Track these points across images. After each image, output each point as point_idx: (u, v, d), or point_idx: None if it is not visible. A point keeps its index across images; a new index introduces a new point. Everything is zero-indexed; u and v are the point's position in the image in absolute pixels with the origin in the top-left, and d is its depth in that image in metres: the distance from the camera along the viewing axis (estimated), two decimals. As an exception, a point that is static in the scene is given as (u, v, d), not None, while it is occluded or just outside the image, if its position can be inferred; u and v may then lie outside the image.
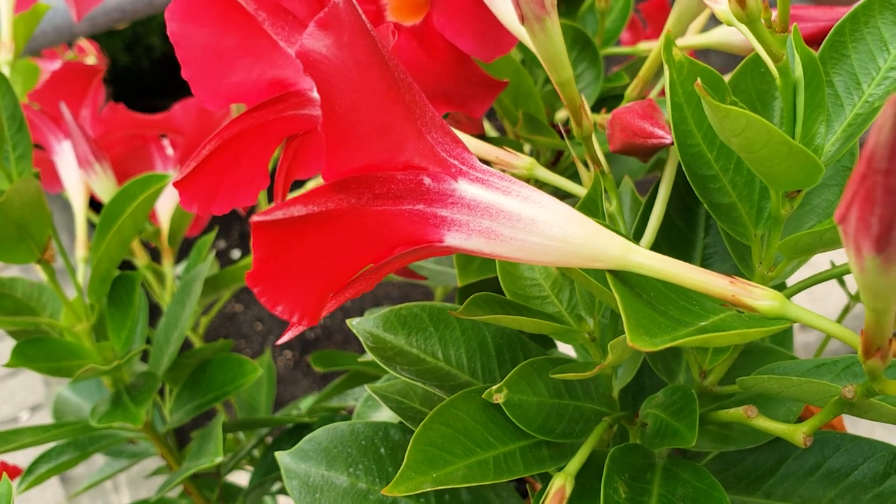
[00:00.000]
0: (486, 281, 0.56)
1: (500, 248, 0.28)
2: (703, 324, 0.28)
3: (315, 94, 0.41)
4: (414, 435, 0.37)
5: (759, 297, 0.27)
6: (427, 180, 0.27)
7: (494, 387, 0.38)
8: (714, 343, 0.27)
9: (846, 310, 0.64)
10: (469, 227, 0.28)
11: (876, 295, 0.22)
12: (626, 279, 0.29)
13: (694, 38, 0.51)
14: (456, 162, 0.28)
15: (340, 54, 0.24)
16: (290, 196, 0.28)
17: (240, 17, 0.41)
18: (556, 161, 0.62)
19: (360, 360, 0.69)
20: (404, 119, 0.26)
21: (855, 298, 0.59)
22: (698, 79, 0.25)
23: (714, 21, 0.56)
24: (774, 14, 0.28)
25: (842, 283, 0.60)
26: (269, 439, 0.79)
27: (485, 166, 0.29)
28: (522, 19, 0.32)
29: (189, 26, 0.40)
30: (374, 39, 0.25)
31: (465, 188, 0.28)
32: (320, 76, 0.24)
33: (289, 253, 0.25)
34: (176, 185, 0.37)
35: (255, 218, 0.25)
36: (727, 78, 0.36)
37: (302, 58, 0.24)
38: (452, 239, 0.28)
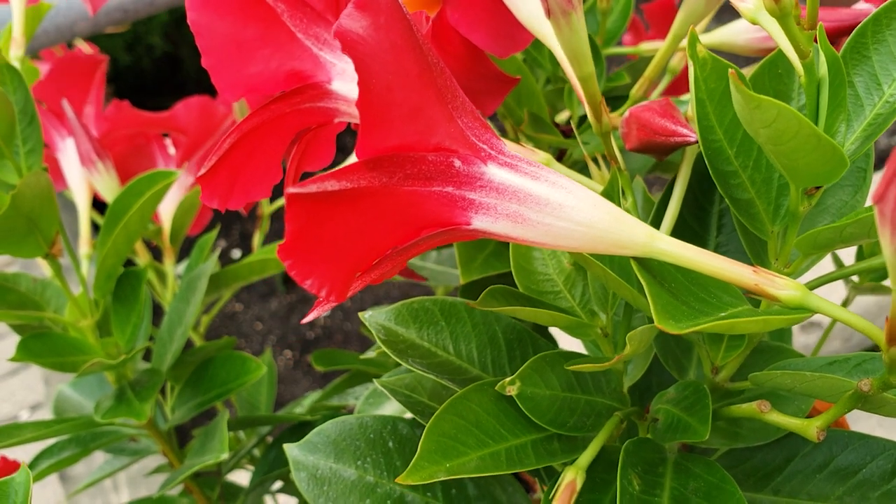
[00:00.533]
0: (489, 278, 0.57)
1: (526, 233, 0.28)
2: (722, 314, 0.28)
3: (332, 87, 0.41)
4: (427, 425, 0.37)
5: (782, 286, 0.27)
6: (457, 163, 0.27)
7: (507, 379, 0.39)
8: (737, 329, 0.27)
9: (844, 304, 0.65)
10: (497, 211, 0.28)
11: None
12: (650, 265, 0.29)
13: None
14: (485, 146, 0.28)
15: (377, 35, 0.25)
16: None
17: (259, 8, 0.41)
18: (558, 160, 0.62)
19: (361, 357, 0.70)
20: (436, 102, 0.27)
21: (856, 288, 0.59)
22: (731, 68, 0.26)
23: (716, 21, 0.57)
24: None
25: (846, 279, 0.61)
26: (270, 438, 0.78)
27: (513, 152, 0.29)
28: (549, 13, 0.32)
29: (209, 15, 0.40)
30: (410, 23, 0.26)
31: (495, 172, 0.28)
32: (357, 56, 0.25)
33: (321, 227, 0.26)
34: (199, 180, 0.37)
35: (290, 189, 0.25)
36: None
37: (340, 37, 0.25)
38: (479, 222, 0.28)
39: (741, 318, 0.27)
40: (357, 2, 0.25)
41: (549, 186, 0.28)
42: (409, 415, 0.46)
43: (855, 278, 0.60)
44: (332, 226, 0.26)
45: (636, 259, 0.29)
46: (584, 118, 0.55)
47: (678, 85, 0.63)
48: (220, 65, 0.39)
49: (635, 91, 0.52)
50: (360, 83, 0.25)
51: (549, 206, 0.28)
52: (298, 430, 0.73)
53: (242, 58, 0.40)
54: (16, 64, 0.58)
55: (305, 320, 0.30)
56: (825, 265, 0.43)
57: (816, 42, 0.29)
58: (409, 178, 0.27)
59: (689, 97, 0.55)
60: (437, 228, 0.28)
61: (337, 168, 0.26)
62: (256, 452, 0.79)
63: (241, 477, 0.84)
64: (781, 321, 0.27)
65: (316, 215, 0.26)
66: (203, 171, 0.37)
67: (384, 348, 0.43)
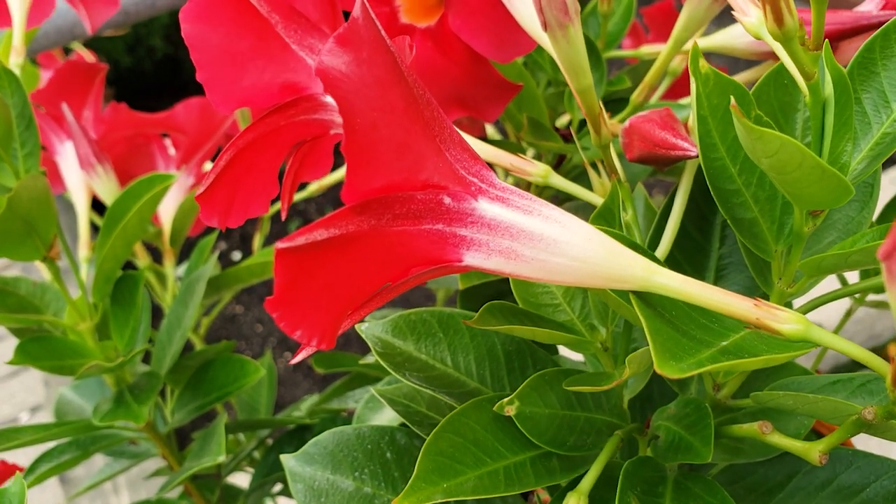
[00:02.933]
0: (489, 284, 0.56)
1: (520, 269, 0.28)
2: (724, 343, 0.28)
3: (326, 99, 0.41)
4: (425, 444, 0.37)
5: (784, 320, 0.26)
6: (447, 199, 0.27)
7: (506, 399, 0.38)
8: (739, 368, 0.26)
9: (848, 313, 0.64)
10: (489, 247, 0.27)
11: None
12: (648, 296, 0.28)
13: (697, 41, 0.51)
14: (476, 180, 0.28)
15: (360, 71, 0.24)
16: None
17: (253, 20, 0.40)
18: (558, 165, 0.61)
19: (361, 362, 0.69)
20: (423, 137, 0.26)
21: (858, 301, 0.59)
22: (732, 98, 0.25)
23: (715, 24, 0.56)
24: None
25: (844, 283, 0.60)
26: (270, 441, 0.78)
27: (505, 184, 0.28)
28: (545, 26, 0.32)
29: (203, 27, 0.40)
30: (394, 55, 0.25)
31: (486, 207, 0.27)
32: (340, 94, 0.24)
33: (310, 277, 0.25)
34: (197, 199, 0.37)
35: (279, 245, 0.24)
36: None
37: (321, 75, 0.24)
38: (472, 259, 0.27)
39: (745, 348, 0.26)
40: (338, 37, 0.24)
41: (543, 221, 0.28)
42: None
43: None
44: (322, 275, 0.25)
45: (635, 293, 0.29)
46: (583, 122, 0.54)
47: (678, 87, 0.62)
48: (214, 77, 0.39)
49: (636, 96, 0.51)
50: (344, 124, 0.24)
51: (543, 241, 0.27)
52: (298, 432, 0.73)
53: (237, 70, 0.39)
54: (15, 71, 0.57)
55: (293, 362, 0.30)
56: (830, 279, 0.42)
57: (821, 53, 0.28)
58: (398, 218, 0.26)
59: (688, 101, 0.54)
60: (428, 266, 0.27)
61: (324, 217, 0.25)
62: (256, 455, 0.79)
63: (241, 479, 0.84)
64: (784, 358, 0.26)
65: (305, 267, 0.25)
66: (201, 189, 0.37)
67: (381, 361, 0.42)
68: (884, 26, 0.30)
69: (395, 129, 0.25)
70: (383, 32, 0.25)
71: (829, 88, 0.27)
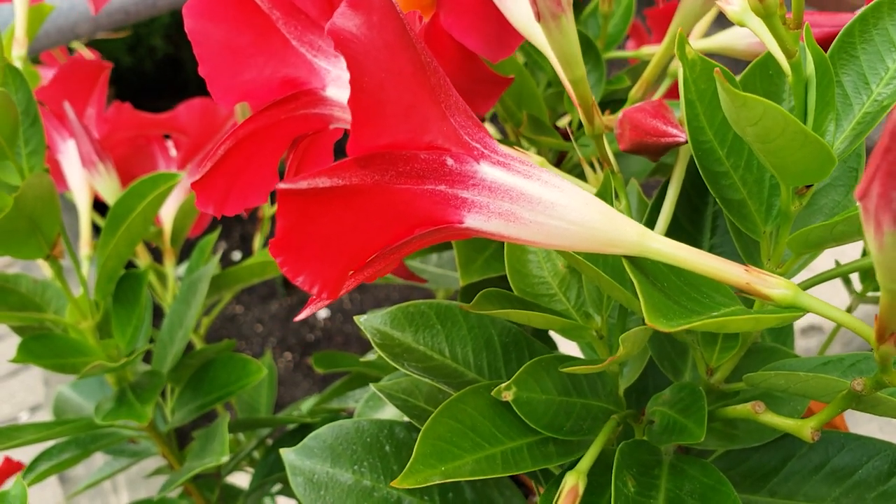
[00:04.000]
0: (489, 280, 0.57)
1: (518, 231, 0.28)
2: (714, 314, 0.28)
3: (326, 94, 0.42)
4: (423, 429, 0.37)
5: (774, 285, 0.27)
6: (450, 161, 0.27)
7: (503, 384, 0.39)
8: (730, 328, 0.27)
9: (848, 311, 0.65)
10: (489, 210, 0.28)
11: (894, 274, 0.22)
12: (642, 268, 0.29)
13: (698, 42, 0.52)
14: (478, 145, 0.28)
15: (370, 34, 0.25)
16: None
17: (254, 16, 0.41)
18: (558, 163, 0.62)
19: (362, 360, 0.70)
20: (429, 100, 0.27)
21: (860, 296, 0.59)
22: (717, 67, 0.26)
23: (716, 26, 0.57)
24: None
25: (847, 282, 0.61)
26: (270, 441, 0.79)
27: (506, 150, 0.29)
28: (538, 17, 0.33)
29: (205, 23, 0.41)
30: (403, 22, 0.26)
31: (487, 170, 0.28)
32: (350, 54, 0.25)
33: (312, 223, 0.26)
34: (193, 185, 0.38)
35: (280, 185, 0.25)
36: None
37: (332, 35, 0.25)
38: (472, 220, 0.28)
39: (733, 316, 0.27)
40: (350, 1, 0.25)
41: (542, 185, 0.28)
42: (406, 418, 0.46)
43: (857, 287, 0.60)
44: (324, 223, 0.26)
45: (628, 258, 0.29)
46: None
47: (678, 88, 0.63)
48: (215, 72, 0.40)
49: (634, 93, 0.52)
50: (352, 81, 0.25)
51: (542, 204, 0.28)
52: (298, 432, 0.73)
53: (237, 65, 0.40)
54: (18, 63, 0.58)
55: (299, 318, 0.30)
56: (825, 266, 0.43)
57: (803, 42, 0.29)
58: (401, 176, 0.27)
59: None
60: (429, 227, 0.28)
61: (328, 165, 0.26)
62: (256, 455, 0.80)
63: (241, 479, 0.84)
64: (773, 320, 0.27)
65: (307, 212, 0.26)
66: (198, 176, 0.37)
67: (380, 352, 0.43)
68: (861, 11, 0.31)
69: (402, 91, 0.26)
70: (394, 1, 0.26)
71: (810, 68, 0.28)
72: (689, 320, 0.26)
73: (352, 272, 0.28)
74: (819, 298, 0.28)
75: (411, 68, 0.26)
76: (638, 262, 0.29)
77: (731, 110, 0.26)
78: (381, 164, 0.26)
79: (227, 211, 0.40)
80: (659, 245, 0.28)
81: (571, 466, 0.39)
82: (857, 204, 0.29)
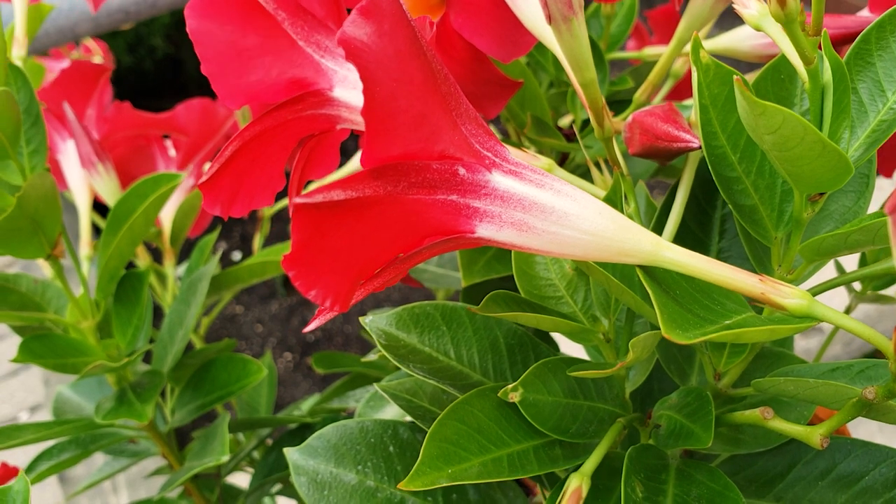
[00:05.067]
0: (491, 281, 0.57)
1: (531, 241, 0.28)
2: (727, 322, 0.28)
3: (333, 94, 0.41)
4: (429, 431, 0.37)
5: (788, 295, 0.27)
6: (461, 171, 0.27)
7: (510, 385, 0.39)
8: (744, 338, 0.27)
9: (847, 311, 0.65)
10: (501, 219, 0.28)
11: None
12: (654, 277, 0.29)
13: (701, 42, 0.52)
14: (490, 154, 0.28)
15: (381, 42, 0.25)
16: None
17: (259, 16, 0.41)
18: (560, 164, 0.62)
19: (363, 360, 0.69)
20: (441, 110, 0.27)
21: (859, 297, 0.59)
22: (737, 76, 0.26)
23: (718, 27, 0.57)
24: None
25: (849, 286, 0.61)
26: (270, 441, 0.78)
27: (518, 159, 0.29)
28: (549, 19, 0.32)
29: (208, 24, 0.40)
30: (414, 29, 0.26)
31: (499, 180, 0.28)
32: (361, 63, 0.25)
33: (326, 237, 0.26)
34: (200, 186, 0.37)
35: (296, 200, 0.25)
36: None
37: (343, 44, 0.24)
38: (484, 230, 0.28)
39: (747, 327, 0.27)
40: (361, 8, 0.25)
41: (554, 194, 0.28)
42: (409, 418, 0.46)
43: (857, 286, 0.60)
44: (338, 235, 0.26)
45: (641, 267, 0.29)
46: (586, 122, 0.55)
47: (681, 89, 0.63)
48: (220, 73, 0.39)
49: (639, 95, 0.52)
50: (364, 91, 0.25)
51: (554, 214, 0.28)
52: (298, 432, 0.73)
53: (243, 66, 0.40)
54: (18, 63, 0.58)
55: (308, 329, 0.30)
56: (828, 271, 0.43)
57: (821, 48, 0.29)
58: (413, 187, 0.27)
59: (691, 102, 0.55)
60: (441, 236, 0.27)
61: (341, 177, 0.26)
62: (256, 455, 0.79)
63: (241, 479, 0.84)
64: (788, 330, 0.27)
65: (322, 225, 0.26)
66: (204, 178, 0.37)
67: (385, 353, 0.43)
68: (879, 18, 0.31)
69: (414, 100, 0.25)
70: (404, 7, 0.25)
71: (827, 75, 0.28)
72: (705, 330, 0.26)
73: (362, 282, 0.28)
74: (832, 308, 0.27)
75: (423, 76, 0.26)
76: (650, 271, 0.29)
77: (748, 118, 0.26)
78: (393, 175, 0.26)
79: (234, 212, 0.40)
80: (673, 255, 0.28)
81: (576, 469, 0.39)
82: (875, 213, 0.29)
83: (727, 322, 0.28)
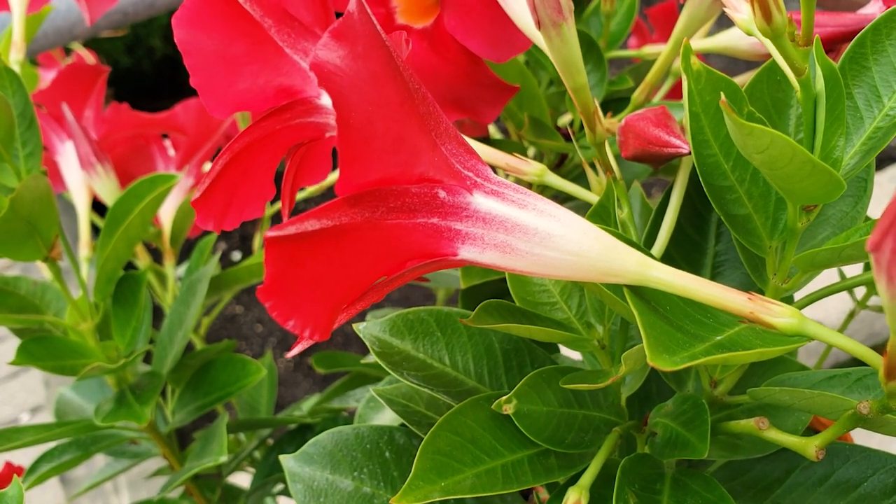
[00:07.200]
0: (490, 283, 0.56)
1: (515, 263, 0.28)
2: (719, 338, 0.28)
3: (321, 102, 0.41)
4: (422, 443, 0.37)
5: (778, 314, 0.26)
6: (442, 193, 0.27)
7: (504, 397, 0.38)
8: (734, 361, 0.26)
9: (851, 315, 0.64)
10: (484, 241, 0.27)
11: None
12: (643, 292, 0.29)
13: (699, 42, 0.51)
14: (471, 174, 0.28)
15: (355, 65, 0.24)
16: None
17: (246, 24, 0.40)
18: (560, 164, 0.61)
19: (362, 361, 0.69)
20: (419, 131, 0.26)
21: (861, 304, 0.59)
22: (722, 95, 0.25)
23: (717, 24, 0.56)
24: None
25: (850, 290, 0.60)
26: (271, 441, 0.78)
27: (500, 178, 0.28)
28: (539, 25, 0.32)
29: (196, 33, 0.40)
30: (389, 50, 0.25)
31: (481, 201, 0.27)
32: (334, 88, 0.24)
33: (302, 267, 0.25)
34: (193, 204, 0.37)
35: (268, 233, 0.24)
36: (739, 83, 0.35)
37: (316, 69, 0.24)
38: (467, 253, 0.27)
39: (739, 344, 0.26)
40: (333, 31, 0.24)
41: (537, 215, 0.28)
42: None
43: (859, 289, 0.59)
44: (314, 265, 0.25)
45: (628, 286, 0.29)
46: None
47: (681, 88, 0.62)
48: (208, 83, 0.39)
49: (637, 95, 0.51)
50: (338, 119, 0.24)
51: (538, 235, 0.27)
52: (299, 432, 0.73)
53: (230, 75, 0.39)
54: (16, 68, 0.57)
55: (290, 355, 0.30)
56: (828, 273, 0.42)
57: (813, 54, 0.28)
58: (392, 211, 0.26)
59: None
60: (423, 259, 0.27)
61: (316, 207, 0.25)
62: (257, 455, 0.80)
63: (242, 479, 0.84)
64: (778, 351, 0.27)
65: (296, 256, 0.25)
66: (197, 194, 0.37)
67: (379, 360, 0.43)
68: (874, 21, 0.30)
69: (391, 123, 0.25)
70: (379, 27, 0.25)
71: (819, 84, 0.28)
72: (692, 352, 0.25)
73: (344, 307, 0.28)
74: (823, 326, 0.27)
75: (399, 98, 0.25)
76: (638, 289, 0.29)
77: (737, 137, 0.25)
78: (371, 201, 0.26)
79: (226, 226, 0.39)
80: (659, 274, 0.28)
81: (574, 479, 0.38)
82: (871, 221, 0.28)
83: (718, 338, 0.27)
